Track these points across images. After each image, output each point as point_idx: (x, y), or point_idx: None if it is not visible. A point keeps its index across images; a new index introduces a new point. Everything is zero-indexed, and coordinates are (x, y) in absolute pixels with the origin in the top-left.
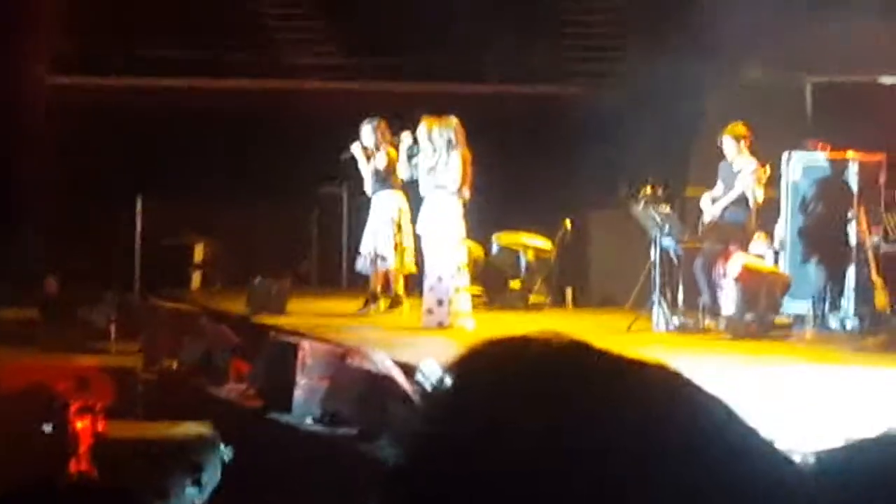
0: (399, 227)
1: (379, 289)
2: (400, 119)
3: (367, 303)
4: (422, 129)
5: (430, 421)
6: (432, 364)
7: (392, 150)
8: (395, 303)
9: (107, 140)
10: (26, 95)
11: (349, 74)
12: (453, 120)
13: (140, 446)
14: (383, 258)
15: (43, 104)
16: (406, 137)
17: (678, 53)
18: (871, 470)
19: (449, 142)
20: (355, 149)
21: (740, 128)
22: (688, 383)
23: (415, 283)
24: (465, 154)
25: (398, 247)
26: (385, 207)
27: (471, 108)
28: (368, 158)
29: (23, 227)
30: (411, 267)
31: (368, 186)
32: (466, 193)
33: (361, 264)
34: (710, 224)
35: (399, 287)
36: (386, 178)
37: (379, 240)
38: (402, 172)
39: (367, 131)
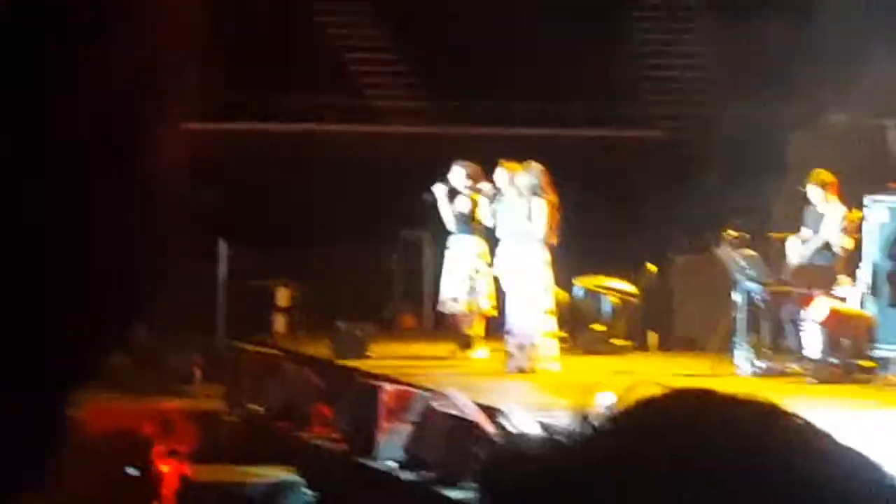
0: (479, 270)
1: (468, 332)
2: (486, 165)
3: (459, 347)
4: (504, 174)
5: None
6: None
7: (476, 195)
8: (469, 344)
9: (191, 184)
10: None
11: (433, 119)
12: (536, 165)
13: (224, 490)
14: (464, 302)
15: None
16: (487, 185)
17: (761, 97)
18: None
19: (533, 187)
20: (437, 190)
21: (824, 174)
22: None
23: (498, 327)
24: (551, 199)
25: (476, 290)
26: (465, 251)
27: (554, 153)
28: (453, 200)
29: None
30: (492, 310)
31: (450, 227)
32: (553, 239)
33: (445, 306)
34: (795, 267)
35: (478, 330)
36: (468, 221)
37: (459, 284)
38: (485, 219)
39: (458, 173)
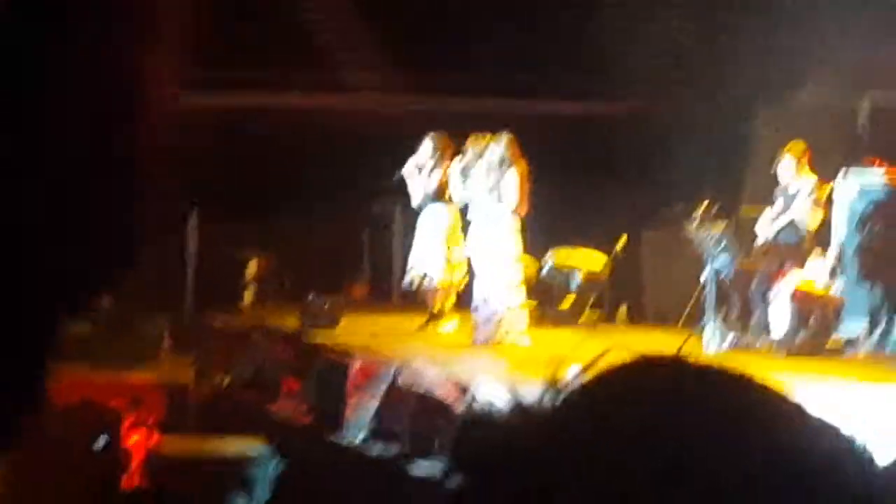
0: (450, 242)
1: (438, 305)
2: (458, 137)
3: (428, 320)
4: (474, 146)
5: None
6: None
7: (449, 167)
8: (438, 317)
9: (161, 154)
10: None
11: (403, 91)
12: (507, 135)
13: (192, 462)
14: (434, 274)
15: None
16: (457, 158)
17: (733, 72)
18: None
19: (503, 157)
20: (411, 164)
21: (800, 146)
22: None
23: (468, 299)
24: (521, 169)
25: (449, 262)
26: (437, 222)
27: (525, 126)
28: (421, 172)
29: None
30: (464, 280)
31: (418, 200)
32: (524, 209)
33: (408, 281)
34: (765, 243)
35: (448, 302)
36: (440, 193)
37: (430, 255)
38: (456, 190)
39: (427, 145)
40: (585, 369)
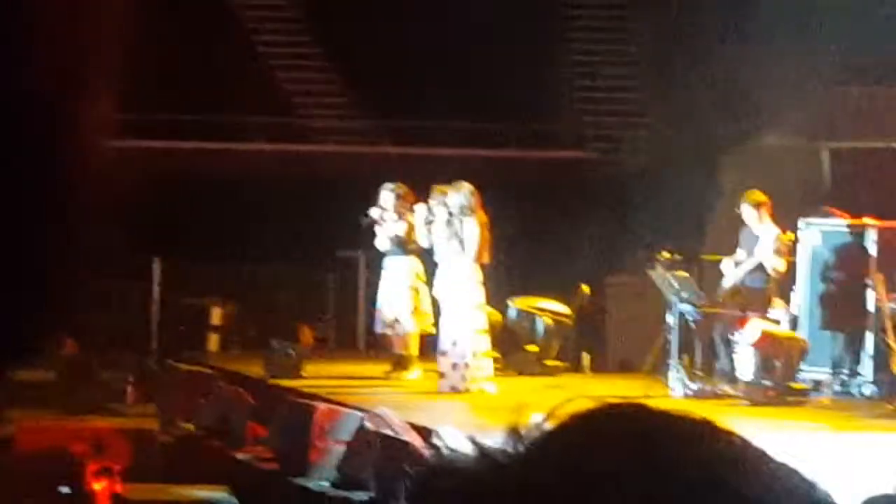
0: (416, 290)
1: (403, 352)
2: (419, 184)
3: (394, 367)
4: (436, 195)
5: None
6: (451, 431)
7: (411, 216)
8: (404, 364)
9: (126, 202)
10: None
11: (367, 139)
12: (466, 185)
13: None
14: (400, 322)
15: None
16: (421, 207)
17: (695, 120)
18: None
19: (463, 207)
20: (374, 213)
21: (759, 195)
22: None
23: (432, 347)
24: (481, 219)
25: (416, 311)
26: (401, 272)
27: (489, 174)
28: (385, 222)
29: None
30: (430, 328)
31: (383, 248)
32: (485, 258)
33: (381, 326)
34: (729, 290)
35: (413, 350)
36: (403, 243)
37: (395, 304)
38: (420, 239)
39: (387, 196)
40: (549, 417)
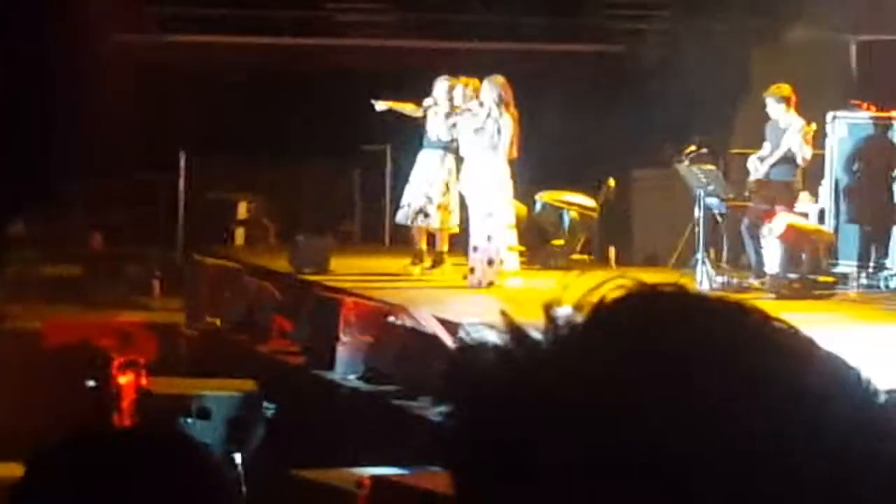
0: (447, 186)
1: (423, 246)
2: (448, 76)
3: (413, 261)
4: (462, 89)
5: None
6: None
7: (456, 109)
8: (438, 262)
9: (151, 97)
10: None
11: (393, 32)
12: (501, 79)
13: (183, 402)
14: (426, 214)
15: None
16: (442, 97)
17: (723, 12)
18: None
19: (498, 101)
20: (427, 102)
21: (785, 88)
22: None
23: (456, 242)
24: (513, 114)
25: (443, 206)
26: (435, 165)
27: (514, 67)
28: (436, 113)
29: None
30: (455, 227)
31: (426, 142)
32: (515, 153)
33: (402, 216)
34: (756, 182)
35: (444, 246)
36: (441, 136)
37: (424, 196)
38: (441, 133)
39: (441, 86)
40: (586, 296)
